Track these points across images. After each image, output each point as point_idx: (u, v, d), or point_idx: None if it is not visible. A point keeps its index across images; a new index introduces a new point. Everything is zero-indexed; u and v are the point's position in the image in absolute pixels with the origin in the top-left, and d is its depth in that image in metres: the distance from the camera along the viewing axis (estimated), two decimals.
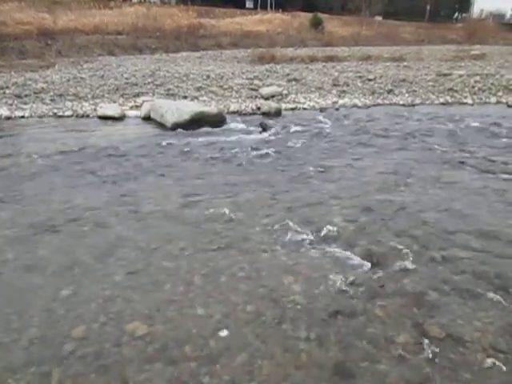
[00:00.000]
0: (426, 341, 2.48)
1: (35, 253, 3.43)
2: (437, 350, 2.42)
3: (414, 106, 9.81)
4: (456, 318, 2.69)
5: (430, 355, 2.39)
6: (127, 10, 29.11)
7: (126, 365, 2.32)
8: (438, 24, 43.89)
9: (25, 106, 8.82)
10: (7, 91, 10.12)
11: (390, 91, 11.04)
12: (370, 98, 10.37)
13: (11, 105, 8.95)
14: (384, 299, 2.87)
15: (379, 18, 46.44)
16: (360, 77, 12.89)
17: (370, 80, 12.42)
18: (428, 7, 51.25)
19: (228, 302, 2.83)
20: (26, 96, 9.73)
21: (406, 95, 10.69)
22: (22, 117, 8.22)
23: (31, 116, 8.27)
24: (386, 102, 10.12)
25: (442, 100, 10.34)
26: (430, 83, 12.01)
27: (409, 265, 3.25)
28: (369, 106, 9.66)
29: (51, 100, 9.47)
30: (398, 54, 20.19)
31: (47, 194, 4.59)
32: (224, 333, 2.54)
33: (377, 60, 17.98)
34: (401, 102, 10.06)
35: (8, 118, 8.09)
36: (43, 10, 24.66)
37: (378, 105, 9.85)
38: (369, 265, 3.24)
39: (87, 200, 4.45)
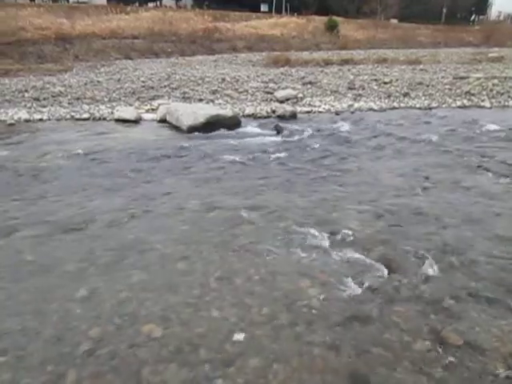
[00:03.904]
0: (444, 348, 2.44)
1: (53, 253, 3.47)
2: (454, 357, 2.38)
3: (430, 109, 9.70)
4: (474, 325, 2.63)
5: (448, 363, 2.34)
6: (143, 14, 29.41)
7: (141, 366, 2.33)
8: (455, 26, 43.45)
9: (43, 109, 8.97)
10: (26, 94, 10.32)
11: (406, 94, 10.95)
12: (386, 101, 10.30)
13: (30, 108, 9.11)
14: (401, 305, 2.83)
15: (395, 21, 46.22)
16: (376, 80, 12.81)
17: (385, 83, 12.33)
18: (444, 10, 50.80)
19: (243, 304, 2.82)
20: (44, 99, 9.90)
21: (423, 98, 10.59)
22: (41, 119, 8.35)
23: (49, 119, 8.40)
24: (402, 105, 10.02)
25: (459, 103, 10.20)
26: (447, 86, 11.88)
27: (426, 270, 3.21)
28: (385, 110, 9.59)
29: (69, 103, 9.62)
30: (414, 56, 20.02)
31: (65, 195, 4.66)
32: (239, 336, 2.54)
33: (392, 63, 17.86)
34: (417, 106, 9.96)
35: (27, 121, 8.24)
36: (61, 15, 25.08)
37: (394, 108, 9.77)
38: (385, 270, 3.21)
39: (104, 201, 4.50)
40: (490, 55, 20.66)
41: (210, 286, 3.02)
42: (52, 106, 9.33)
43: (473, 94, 10.93)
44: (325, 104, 9.82)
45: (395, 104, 10.05)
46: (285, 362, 2.36)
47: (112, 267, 3.27)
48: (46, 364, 2.35)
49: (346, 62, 17.93)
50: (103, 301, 2.87)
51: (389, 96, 10.76)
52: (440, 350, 2.43)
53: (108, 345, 2.48)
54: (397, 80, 12.78)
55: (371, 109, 9.61)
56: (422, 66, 16.73)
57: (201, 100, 9.95)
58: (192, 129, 7.36)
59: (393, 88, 11.68)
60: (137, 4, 41.90)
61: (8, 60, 17.06)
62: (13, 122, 8.10)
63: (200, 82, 12.31)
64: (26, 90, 10.76)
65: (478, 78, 12.97)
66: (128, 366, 2.33)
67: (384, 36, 32.72)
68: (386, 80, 12.72)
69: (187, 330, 2.59)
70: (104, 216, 4.14)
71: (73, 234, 3.80)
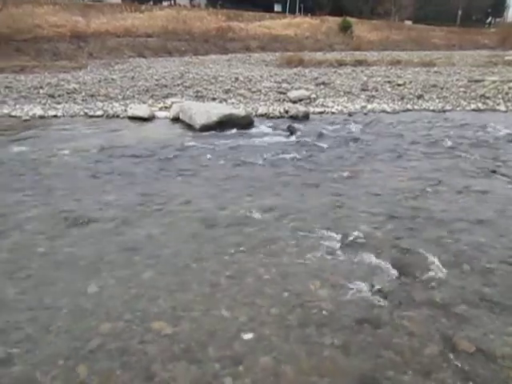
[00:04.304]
0: (455, 354, 2.41)
1: (64, 248, 3.51)
2: (466, 364, 2.34)
3: (444, 112, 9.61)
4: (487, 332, 2.60)
5: (459, 370, 2.31)
6: (158, 13, 29.56)
7: (151, 363, 2.34)
8: (470, 29, 42.96)
9: (58, 106, 9.07)
10: (41, 91, 10.43)
11: (419, 97, 10.85)
12: (399, 103, 10.22)
13: (45, 104, 9.21)
14: (411, 309, 2.81)
15: (409, 23, 45.87)
16: (389, 82, 12.72)
17: (399, 85, 12.24)
18: (459, 12, 50.29)
19: (253, 304, 2.82)
20: (58, 96, 10.00)
21: (437, 101, 10.48)
22: (55, 116, 8.44)
23: (63, 115, 8.48)
24: (416, 107, 9.94)
25: (473, 106, 10.09)
26: (461, 89, 11.75)
27: (438, 275, 3.18)
28: (398, 112, 9.52)
29: (83, 100, 9.71)
30: (428, 58, 19.84)
31: (77, 191, 4.70)
32: (248, 335, 2.54)
33: (406, 65, 17.72)
34: (431, 108, 9.87)
35: (41, 117, 8.33)
36: (77, 13, 25.31)
37: (408, 110, 9.69)
38: (396, 273, 3.18)
39: (116, 198, 4.53)
40: (507, 58, 20.40)
41: (221, 285, 3.03)
42: (66, 102, 9.42)
43: (488, 98, 10.79)
44: (338, 105, 9.78)
45: (408, 106, 9.97)
46: (294, 362, 2.36)
47: (123, 263, 3.29)
48: (56, 358, 2.37)
49: (359, 63, 17.85)
50: (114, 297, 2.89)
51: (402, 98, 10.68)
52: (451, 356, 2.40)
53: (118, 340, 2.50)
54: (410, 82, 12.68)
55: (384, 111, 9.54)
56: (436, 69, 16.58)
57: (214, 99, 9.97)
58: (205, 127, 7.38)
59: (406, 90, 11.59)
60: (151, 3, 42.16)
61: (24, 57, 17.28)
62: (28, 118, 8.20)
63: (213, 81, 12.33)
64: (41, 87, 10.88)
65: (494, 81, 12.81)
66: (138, 362, 2.35)
67: (398, 37, 32.49)
68: (400, 82, 12.62)
69: (197, 328, 2.60)
70: (116, 212, 4.17)
71: (84, 229, 3.84)
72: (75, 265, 3.27)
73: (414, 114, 9.30)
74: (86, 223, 3.94)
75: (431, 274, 3.19)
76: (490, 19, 65.13)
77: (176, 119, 8.22)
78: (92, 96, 10.10)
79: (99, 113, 8.66)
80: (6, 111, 8.59)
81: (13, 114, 8.47)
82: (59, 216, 4.08)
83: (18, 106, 8.92)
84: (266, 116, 8.72)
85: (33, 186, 4.85)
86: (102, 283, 3.04)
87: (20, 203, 4.38)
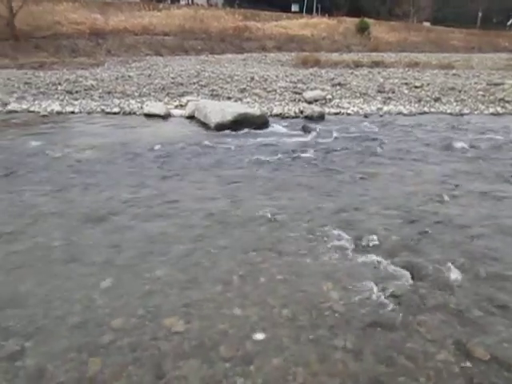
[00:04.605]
0: (469, 361, 2.37)
1: (80, 243, 3.55)
2: (480, 372, 2.31)
3: (462, 115, 9.48)
4: (502, 339, 2.55)
5: (473, 377, 2.27)
6: (175, 12, 29.73)
7: (162, 359, 2.36)
8: (490, 31, 42.25)
9: (75, 102, 9.18)
10: (59, 87, 10.58)
11: (437, 99, 10.72)
12: (416, 105, 10.11)
13: (62, 100, 9.34)
14: (425, 314, 2.78)
15: (427, 24, 45.31)
16: (406, 84, 12.60)
17: (416, 87, 12.11)
18: (480, 14, 49.54)
19: (265, 304, 2.82)
20: (76, 92, 10.13)
21: (454, 104, 10.35)
22: (72, 112, 8.55)
23: (80, 112, 8.59)
24: (433, 110, 9.82)
25: (492, 110, 9.93)
26: (480, 92, 11.57)
27: (452, 280, 3.13)
28: (414, 114, 9.42)
29: (100, 97, 9.81)
30: (447, 61, 19.59)
31: (93, 187, 4.75)
32: (260, 335, 2.53)
33: (424, 67, 17.52)
34: (448, 111, 9.74)
35: (59, 113, 8.45)
36: (96, 10, 25.60)
37: (425, 113, 9.58)
38: (410, 277, 3.14)
39: (131, 194, 4.57)
40: None
41: (233, 284, 3.03)
42: (84, 99, 9.53)
43: (507, 101, 10.61)
44: (353, 106, 9.72)
45: (425, 109, 9.86)
46: (305, 364, 2.35)
47: (137, 259, 3.31)
48: (69, 351, 2.40)
49: (376, 64, 17.69)
50: (127, 292, 2.92)
51: (419, 100, 10.57)
52: (465, 363, 2.36)
53: (130, 336, 2.52)
54: (428, 84, 12.54)
55: (400, 113, 9.45)
56: (454, 71, 16.36)
57: (229, 98, 9.99)
58: (220, 126, 7.40)
59: (423, 92, 11.46)
60: (169, 1, 42.37)
61: (43, 53, 17.54)
62: (46, 113, 8.32)
63: (229, 80, 12.36)
64: (60, 83, 11.03)
65: None
66: (149, 358, 2.36)
67: (416, 39, 32.11)
68: (417, 84, 12.48)
69: (208, 326, 2.60)
70: (130, 208, 4.21)
71: (99, 224, 3.88)
72: (90, 259, 3.30)
73: (431, 117, 9.19)
74: (101, 218, 3.98)
75: (446, 278, 3.15)
76: (510, 22, 64.04)
77: (191, 117, 8.26)
78: (109, 93, 10.20)
79: (116, 110, 8.74)
80: (24, 106, 8.74)
81: (31, 109, 8.61)
82: (74, 211, 4.14)
83: (36, 102, 9.06)
84: (281, 116, 8.71)
85: (49, 181, 4.92)
86: (115, 278, 3.06)
87: (37, 197, 4.45)
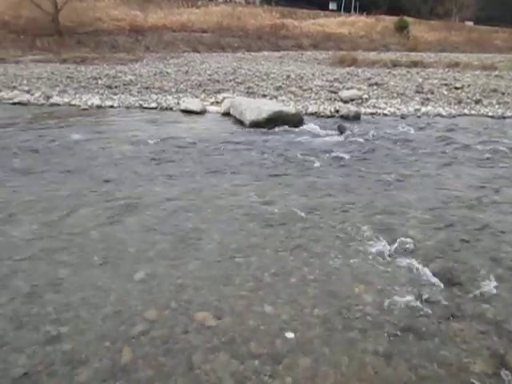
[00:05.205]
0: (507, 374, 2.29)
1: (115, 234, 3.64)
2: None
3: (504, 118, 9.13)
4: None
5: None
6: (213, 9, 30.00)
7: (193, 352, 2.38)
8: None
9: (114, 97, 9.42)
10: (99, 82, 10.88)
11: (478, 101, 10.36)
12: (456, 107, 9.81)
13: (102, 95, 9.61)
14: (460, 322, 2.70)
15: (470, 23, 43.86)
16: (446, 84, 12.24)
17: (456, 88, 11.75)
18: None
19: (296, 303, 2.81)
20: (115, 87, 10.40)
21: (496, 106, 9.97)
22: (111, 106, 8.78)
23: (119, 106, 8.81)
24: (474, 112, 9.50)
25: None
26: None
27: (490, 289, 3.02)
28: (454, 116, 9.14)
29: (138, 92, 10.03)
30: (490, 61, 18.90)
31: (129, 180, 4.87)
32: (290, 334, 2.53)
33: (465, 68, 16.97)
34: (489, 114, 9.40)
35: (99, 107, 8.69)
36: (135, 7, 26.16)
37: (464, 115, 9.28)
38: (446, 283, 3.06)
39: (167, 189, 4.65)
40: None
41: (265, 281, 3.04)
42: (122, 93, 9.77)
43: None
44: (390, 106, 9.54)
45: (466, 111, 9.55)
46: (334, 366, 2.33)
47: (170, 253, 3.37)
48: (103, 339, 2.47)
49: (414, 64, 17.28)
50: (160, 284, 2.97)
51: (459, 102, 10.25)
52: (502, 375, 2.28)
53: (162, 328, 2.56)
54: (469, 86, 12.14)
55: (439, 114, 9.20)
56: (497, 72, 15.76)
57: (264, 96, 10.00)
58: (255, 123, 7.42)
59: (464, 94, 11.11)
60: None
61: (85, 48, 18.08)
62: (86, 107, 8.58)
63: (265, 77, 12.37)
64: (100, 78, 11.35)
65: None
66: (180, 350, 2.40)
67: (457, 39, 31.14)
68: (457, 85, 12.11)
69: (239, 322, 2.62)
70: (165, 203, 4.28)
71: (135, 217, 3.97)
72: (125, 251, 3.38)
73: (472, 119, 8.91)
74: (137, 212, 4.07)
75: (483, 287, 3.05)
76: None
77: (227, 114, 8.32)
78: (147, 88, 10.41)
79: (153, 105, 8.91)
80: (66, 100, 9.04)
81: (72, 102, 8.90)
82: (112, 203, 4.24)
83: (77, 96, 9.36)
84: (316, 115, 8.65)
85: (88, 173, 5.07)
86: (149, 271, 3.13)
87: (76, 189, 4.59)
